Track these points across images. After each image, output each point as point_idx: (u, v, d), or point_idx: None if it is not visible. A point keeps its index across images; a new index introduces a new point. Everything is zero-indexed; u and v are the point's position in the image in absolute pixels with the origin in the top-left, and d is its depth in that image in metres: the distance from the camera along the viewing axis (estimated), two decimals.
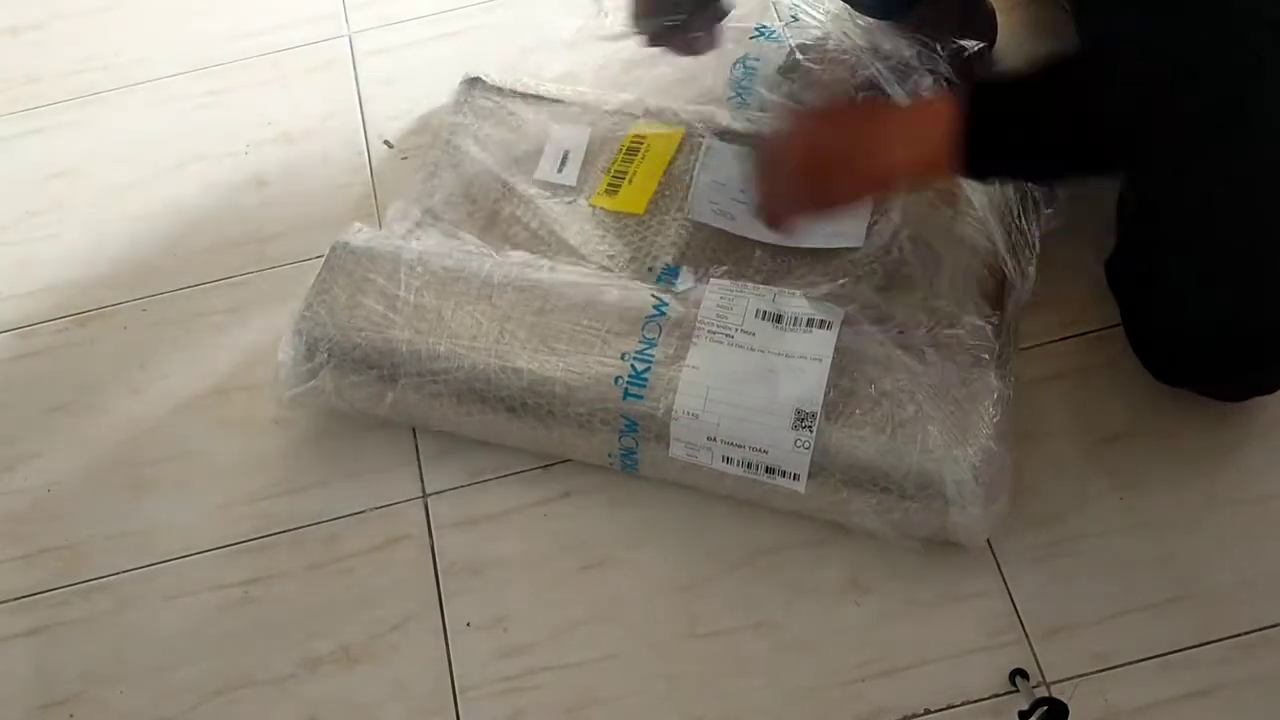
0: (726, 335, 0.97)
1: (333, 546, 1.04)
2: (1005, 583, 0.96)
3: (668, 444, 0.96)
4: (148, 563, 1.05)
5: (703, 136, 1.13)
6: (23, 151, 1.34)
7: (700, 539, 1.00)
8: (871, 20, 1.18)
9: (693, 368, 0.96)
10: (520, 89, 1.21)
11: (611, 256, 1.08)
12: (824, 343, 0.95)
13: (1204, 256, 0.91)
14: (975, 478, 0.91)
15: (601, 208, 1.11)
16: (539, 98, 1.20)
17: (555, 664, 0.97)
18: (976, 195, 1.06)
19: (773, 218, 0.99)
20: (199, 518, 1.06)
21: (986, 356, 0.97)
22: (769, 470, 0.95)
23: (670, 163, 1.12)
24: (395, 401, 1.02)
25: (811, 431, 0.93)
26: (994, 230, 1.04)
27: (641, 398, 0.96)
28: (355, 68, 1.36)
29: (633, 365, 0.97)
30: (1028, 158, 0.85)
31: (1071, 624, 0.94)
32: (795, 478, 0.94)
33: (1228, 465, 1.00)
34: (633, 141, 1.14)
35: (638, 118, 1.16)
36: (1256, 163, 0.89)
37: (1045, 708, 0.88)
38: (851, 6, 1.18)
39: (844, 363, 0.95)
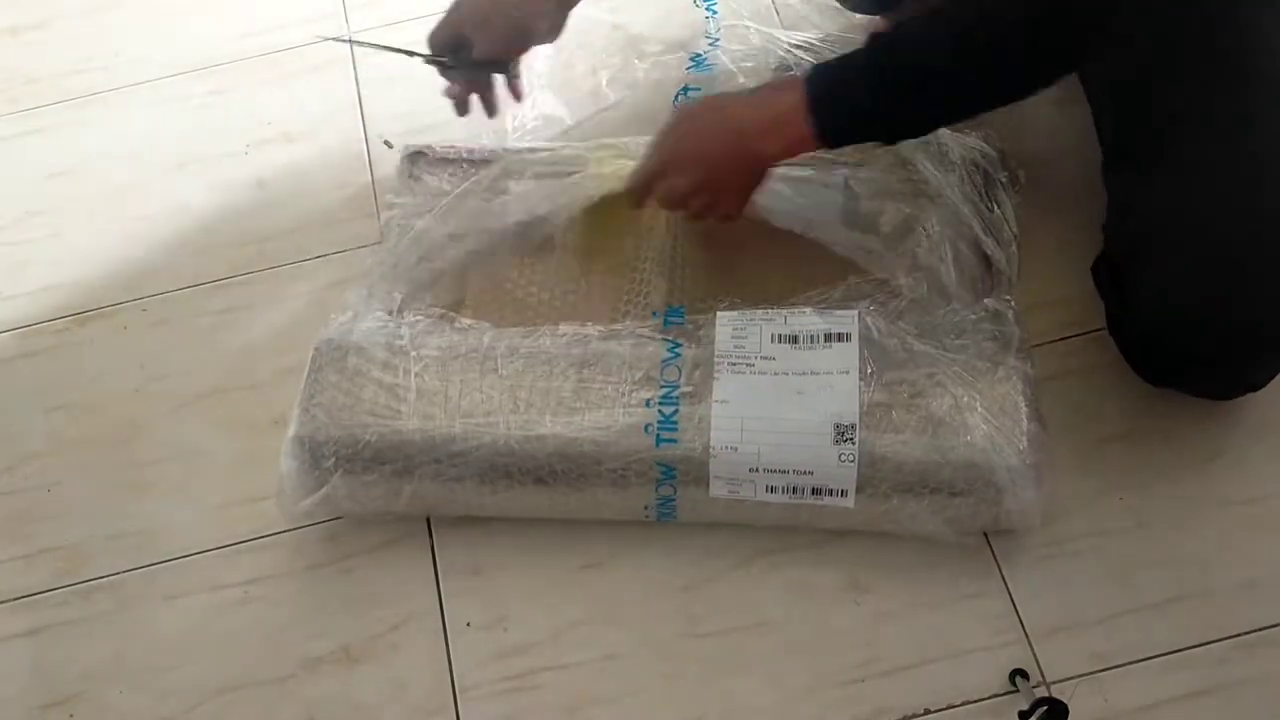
0: (748, 364, 0.95)
1: (333, 546, 1.04)
2: (1005, 583, 0.96)
3: (707, 484, 0.94)
4: (148, 563, 1.05)
5: None
6: (23, 151, 1.34)
7: (700, 539, 1.00)
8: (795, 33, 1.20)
9: (722, 402, 0.94)
10: (466, 155, 1.17)
11: (603, 307, 1.05)
12: (847, 354, 0.94)
13: (1178, 253, 0.91)
14: (1024, 461, 0.91)
15: (579, 258, 1.08)
16: (487, 161, 1.16)
17: (555, 664, 0.97)
18: (937, 181, 1.06)
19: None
20: (199, 518, 1.06)
21: (1000, 338, 0.97)
22: (815, 491, 0.93)
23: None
24: (413, 494, 0.97)
25: (854, 444, 0.92)
26: (967, 215, 1.04)
27: (676, 441, 0.93)
28: (355, 68, 1.36)
29: (659, 410, 0.94)
30: (871, 117, 0.92)
31: (1071, 624, 0.94)
32: (843, 494, 0.93)
33: (1228, 465, 1.00)
34: (597, 187, 1.10)
35: (592, 159, 1.12)
36: (1229, 158, 0.89)
37: (1045, 708, 0.88)
38: (840, 4, 1.19)
39: (870, 368, 0.94)
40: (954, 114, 0.96)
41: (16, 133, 1.36)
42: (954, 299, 1.00)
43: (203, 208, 1.26)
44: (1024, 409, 0.93)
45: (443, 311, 1.05)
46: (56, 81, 1.39)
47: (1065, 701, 0.89)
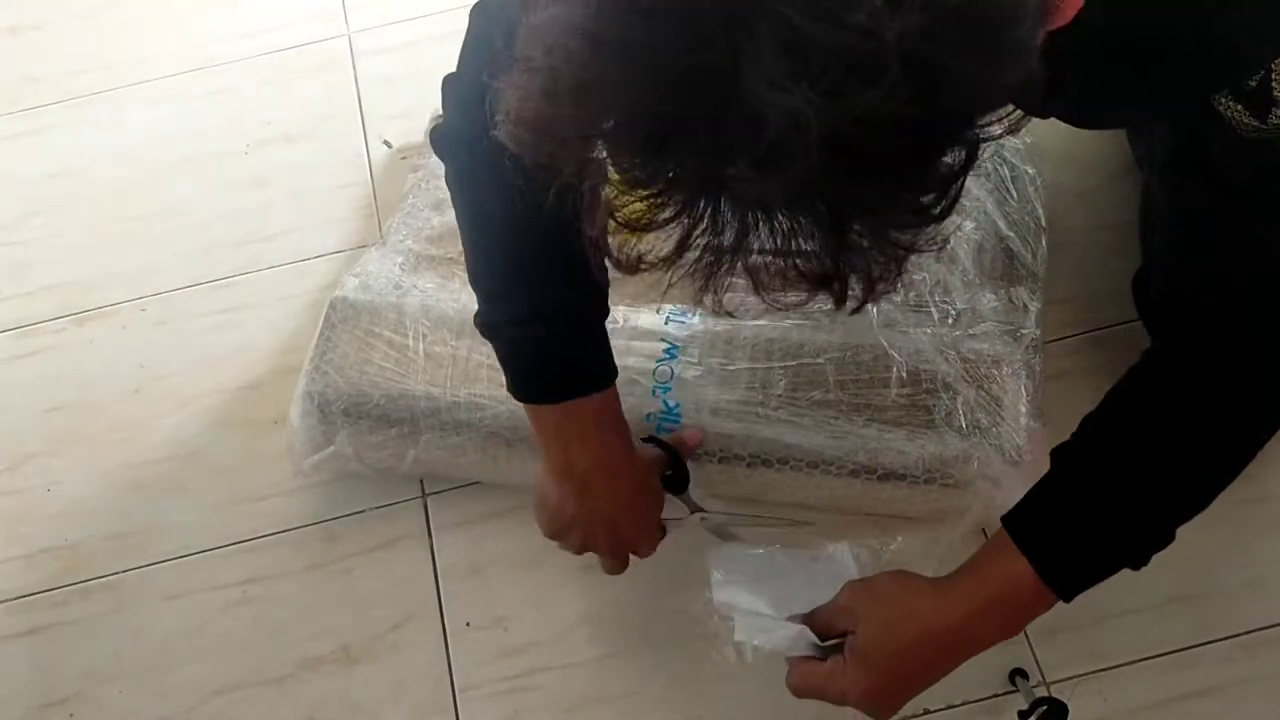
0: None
1: (333, 546, 1.04)
2: None
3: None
4: (148, 563, 1.05)
5: None
6: (23, 151, 1.34)
7: (699, 538, 1.00)
8: None
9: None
10: None
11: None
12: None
13: (1245, 281, 0.89)
14: (1019, 457, 0.91)
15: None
16: None
17: (555, 664, 0.97)
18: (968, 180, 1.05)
19: None
20: (199, 518, 1.06)
21: (1012, 333, 0.97)
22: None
23: None
24: (417, 458, 0.99)
25: None
26: (991, 207, 1.04)
27: (679, 427, 0.95)
28: (355, 68, 1.36)
29: (664, 403, 0.96)
30: (1118, 549, 0.77)
31: (1071, 624, 0.94)
32: None
33: None
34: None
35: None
36: None
37: (1045, 707, 0.88)
38: None
39: (870, 358, 0.95)
40: (1202, 491, 0.79)
41: (17, 132, 1.36)
42: (973, 289, 1.00)
43: (203, 208, 1.27)
44: (1024, 406, 0.93)
45: (447, 272, 1.05)
46: (56, 81, 1.39)
47: (1065, 701, 0.89)
